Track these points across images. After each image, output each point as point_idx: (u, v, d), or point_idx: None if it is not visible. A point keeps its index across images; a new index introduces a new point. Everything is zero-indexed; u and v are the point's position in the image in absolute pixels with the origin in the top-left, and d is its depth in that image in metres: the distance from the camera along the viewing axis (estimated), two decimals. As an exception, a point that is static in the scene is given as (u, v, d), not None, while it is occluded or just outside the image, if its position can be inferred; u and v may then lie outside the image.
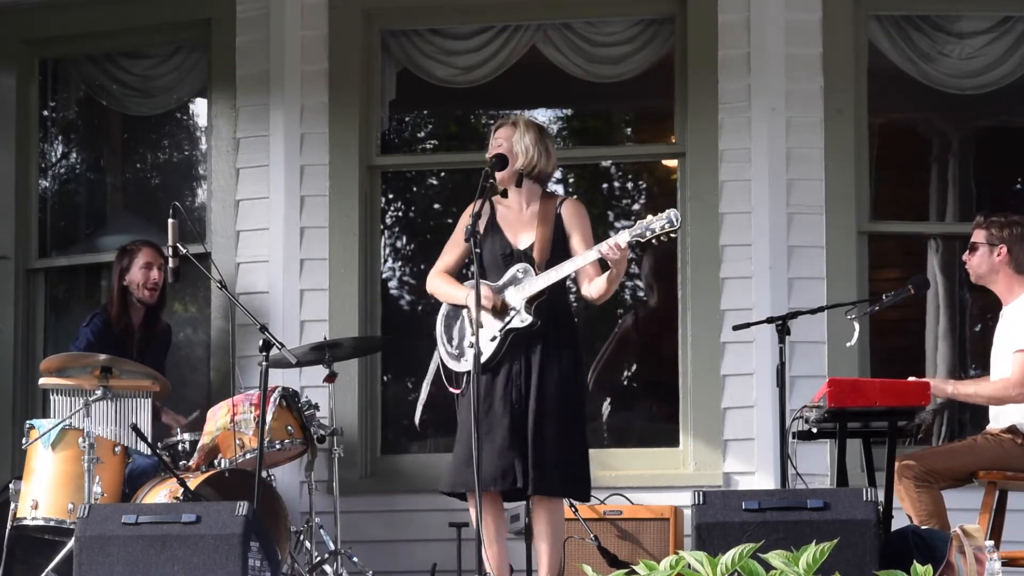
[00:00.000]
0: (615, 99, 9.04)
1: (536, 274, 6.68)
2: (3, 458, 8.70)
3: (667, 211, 6.56)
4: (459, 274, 6.97)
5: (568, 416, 6.65)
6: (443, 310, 6.90)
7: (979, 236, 7.27)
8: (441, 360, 6.81)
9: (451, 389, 6.76)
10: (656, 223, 6.54)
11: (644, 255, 9.49)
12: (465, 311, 6.77)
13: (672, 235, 6.59)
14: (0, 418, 8.75)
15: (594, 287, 6.74)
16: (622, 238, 6.55)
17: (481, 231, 6.74)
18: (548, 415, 6.59)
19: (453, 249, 6.96)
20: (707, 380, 8.20)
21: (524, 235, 6.81)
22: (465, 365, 6.70)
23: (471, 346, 6.66)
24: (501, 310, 6.66)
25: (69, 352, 7.79)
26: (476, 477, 6.34)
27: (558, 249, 6.76)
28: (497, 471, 6.55)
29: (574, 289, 6.98)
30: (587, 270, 6.74)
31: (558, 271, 6.65)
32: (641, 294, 9.62)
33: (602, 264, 6.68)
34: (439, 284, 6.92)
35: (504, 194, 6.92)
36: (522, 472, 6.56)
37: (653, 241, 6.57)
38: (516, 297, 6.68)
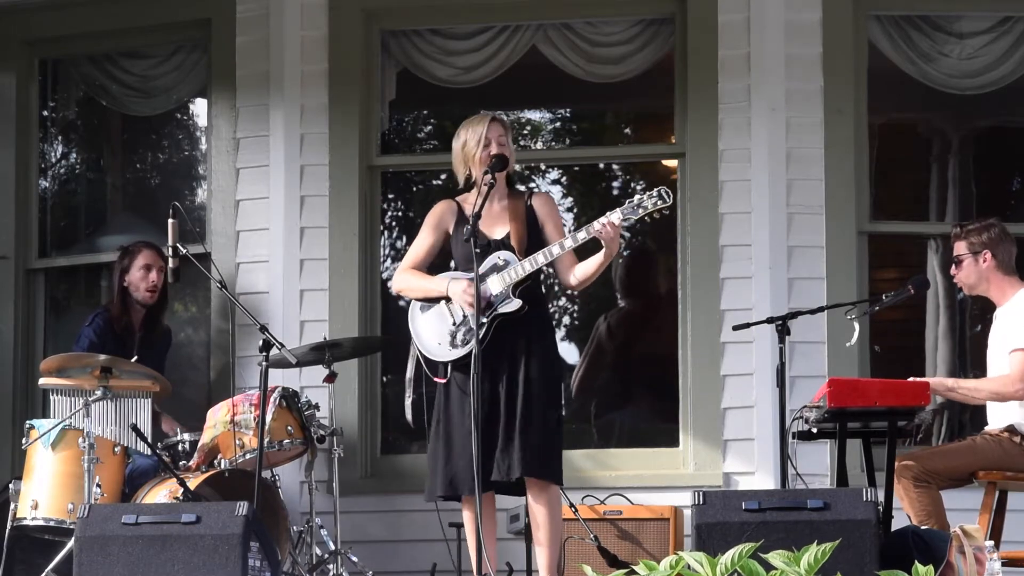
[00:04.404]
0: (615, 99, 9.04)
1: (519, 260, 6.71)
2: (3, 458, 8.69)
3: (657, 188, 6.65)
4: (428, 268, 6.98)
5: (548, 403, 6.68)
6: (415, 303, 6.91)
7: (961, 248, 7.27)
8: (420, 353, 6.82)
9: (436, 379, 6.77)
10: (648, 200, 6.65)
11: (645, 254, 9.50)
12: (443, 301, 6.79)
13: (664, 212, 6.67)
14: (0, 418, 8.74)
15: (580, 271, 6.80)
16: (615, 216, 6.63)
17: (451, 230, 6.87)
18: (530, 403, 6.61)
19: (421, 242, 6.98)
20: (707, 380, 8.20)
21: (497, 228, 6.85)
22: (447, 354, 6.73)
23: (449, 335, 6.68)
24: (485, 307, 6.67)
25: (70, 352, 7.79)
26: (476, 476, 6.36)
27: (533, 240, 6.81)
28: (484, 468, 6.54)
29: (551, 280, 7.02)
30: (565, 259, 6.78)
31: (546, 254, 6.70)
32: (641, 294, 9.61)
33: (578, 251, 6.70)
34: (411, 280, 6.92)
35: (469, 189, 6.93)
36: (503, 462, 6.58)
37: (646, 218, 6.66)
38: (500, 283, 6.71)
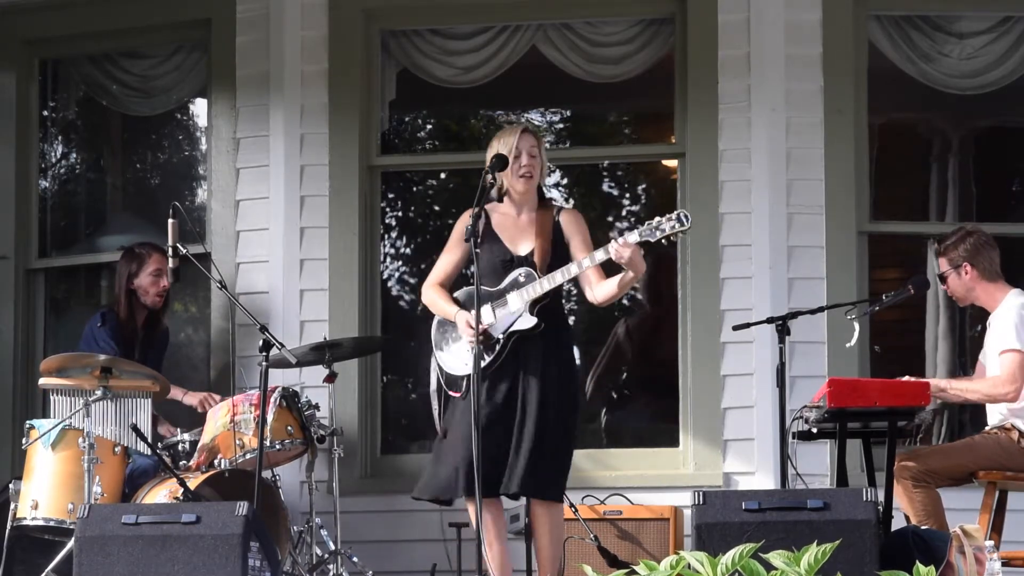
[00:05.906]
0: (615, 99, 9.03)
1: (539, 277, 6.70)
2: (3, 458, 8.69)
3: (676, 211, 6.64)
4: (456, 280, 6.97)
5: (564, 421, 6.68)
6: (438, 316, 6.92)
7: (943, 265, 7.33)
8: (439, 366, 6.82)
9: (451, 393, 6.77)
10: (665, 223, 6.61)
11: (644, 255, 9.49)
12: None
13: (682, 235, 6.66)
14: (0, 418, 8.75)
15: (601, 290, 6.76)
16: (631, 237, 6.60)
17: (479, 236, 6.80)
18: (547, 420, 6.60)
19: (448, 256, 6.96)
20: (707, 380, 8.20)
21: (523, 243, 6.82)
22: (464, 368, 6.72)
23: (469, 350, 6.68)
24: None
25: (71, 352, 7.79)
26: (477, 477, 6.36)
27: (558, 256, 6.78)
28: (491, 477, 6.54)
29: (574, 293, 7.01)
30: (589, 274, 6.75)
31: (564, 273, 6.67)
32: (641, 294, 9.62)
33: (605, 266, 6.70)
34: (433, 297, 6.92)
35: (500, 199, 6.90)
36: (514, 475, 6.57)
37: (663, 240, 6.64)
38: (519, 300, 6.70)
